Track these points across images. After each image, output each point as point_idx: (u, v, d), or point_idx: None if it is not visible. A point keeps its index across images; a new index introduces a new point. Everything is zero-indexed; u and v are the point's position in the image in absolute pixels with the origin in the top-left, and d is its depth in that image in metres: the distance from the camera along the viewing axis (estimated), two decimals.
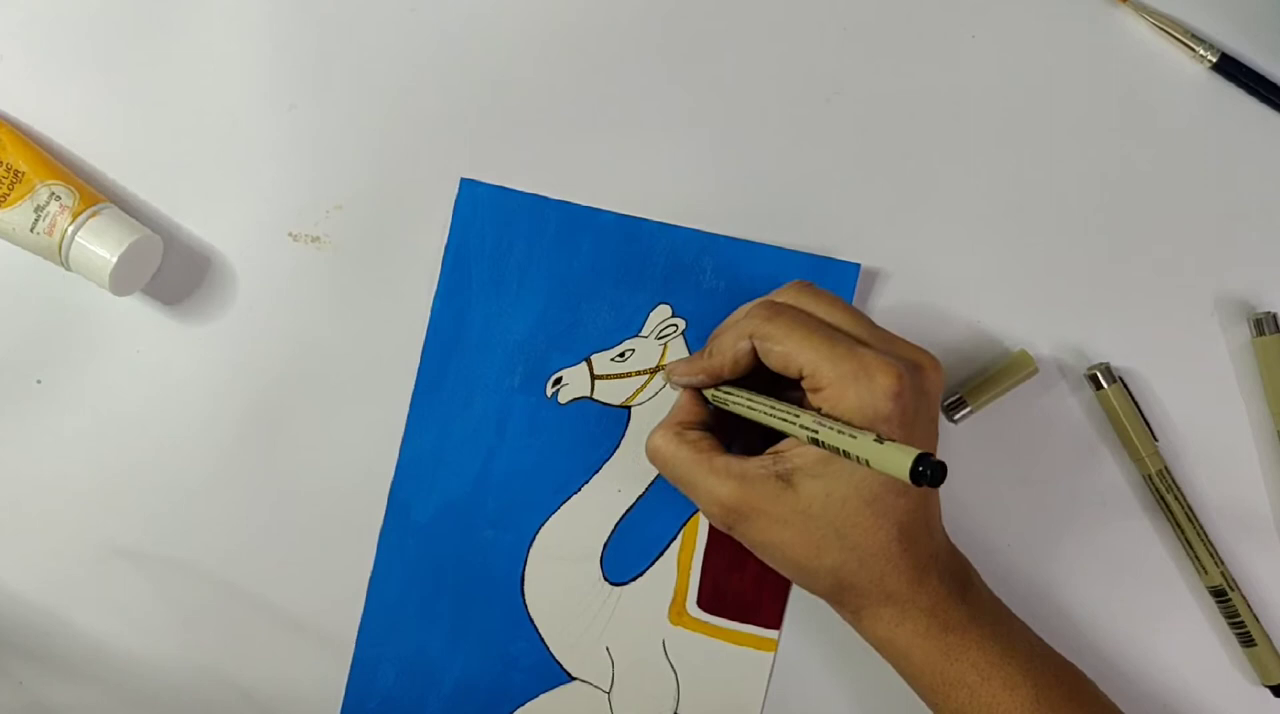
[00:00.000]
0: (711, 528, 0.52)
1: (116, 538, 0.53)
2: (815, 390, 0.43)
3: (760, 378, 0.46)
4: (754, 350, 0.45)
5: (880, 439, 0.38)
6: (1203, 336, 0.52)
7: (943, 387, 0.46)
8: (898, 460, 0.37)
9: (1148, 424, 0.51)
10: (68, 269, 0.49)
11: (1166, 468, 0.51)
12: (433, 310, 0.52)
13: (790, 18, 0.51)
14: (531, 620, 0.52)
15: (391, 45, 0.52)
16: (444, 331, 0.52)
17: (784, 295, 0.47)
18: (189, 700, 0.53)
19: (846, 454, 0.39)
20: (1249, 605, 0.51)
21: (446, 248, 0.52)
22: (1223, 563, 0.51)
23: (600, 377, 0.52)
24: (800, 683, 0.52)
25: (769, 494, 0.44)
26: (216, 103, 0.52)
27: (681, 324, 0.52)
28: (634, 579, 0.52)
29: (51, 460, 0.52)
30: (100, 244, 0.48)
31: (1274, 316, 0.50)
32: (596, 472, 0.52)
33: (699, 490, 0.45)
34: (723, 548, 0.52)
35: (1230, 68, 0.51)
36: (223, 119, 0.52)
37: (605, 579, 0.52)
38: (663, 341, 0.52)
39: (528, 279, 0.52)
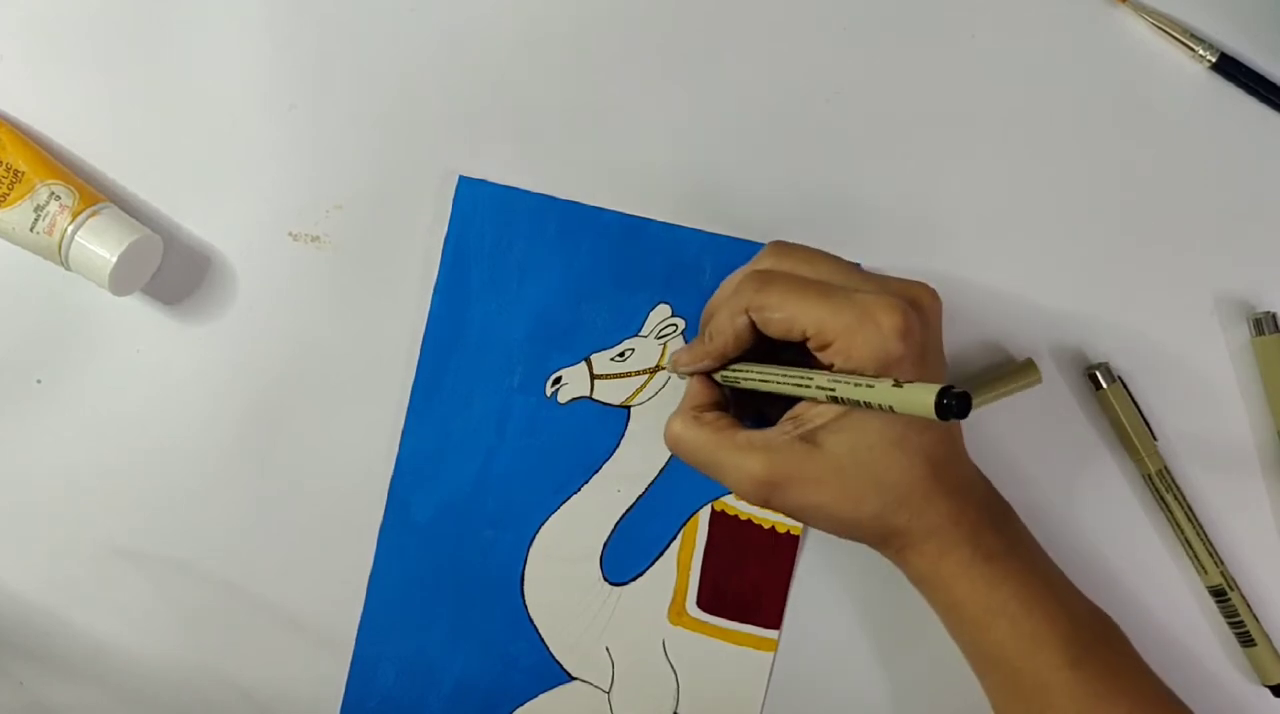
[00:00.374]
0: (711, 528, 0.52)
1: (116, 538, 0.53)
2: (823, 347, 0.43)
3: (759, 349, 0.46)
4: (752, 323, 0.45)
5: (898, 383, 0.38)
6: (1203, 336, 0.52)
7: (942, 314, 0.46)
8: (921, 399, 0.37)
9: (1148, 424, 0.51)
10: (68, 269, 0.49)
11: (1166, 468, 0.51)
12: (432, 310, 0.52)
13: (790, 18, 0.51)
14: (531, 620, 0.52)
15: (391, 45, 0.52)
16: (443, 331, 0.52)
17: (765, 261, 0.46)
18: (189, 700, 0.53)
19: (868, 405, 0.39)
20: (1249, 605, 0.51)
21: (445, 247, 0.52)
22: (1223, 563, 0.51)
23: (600, 376, 0.52)
24: (800, 683, 0.52)
25: (798, 459, 0.43)
26: (216, 103, 0.52)
27: (681, 324, 0.52)
28: (634, 579, 0.52)
29: (51, 460, 0.52)
30: (100, 244, 0.48)
31: (1274, 316, 0.50)
32: (596, 472, 0.52)
33: (727, 470, 0.45)
34: (722, 548, 0.52)
35: (1230, 68, 0.51)
36: (223, 119, 0.52)
37: (605, 579, 0.52)
38: (662, 341, 0.52)
39: (527, 278, 0.52)
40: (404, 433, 0.52)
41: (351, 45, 0.52)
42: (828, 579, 0.52)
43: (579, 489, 0.52)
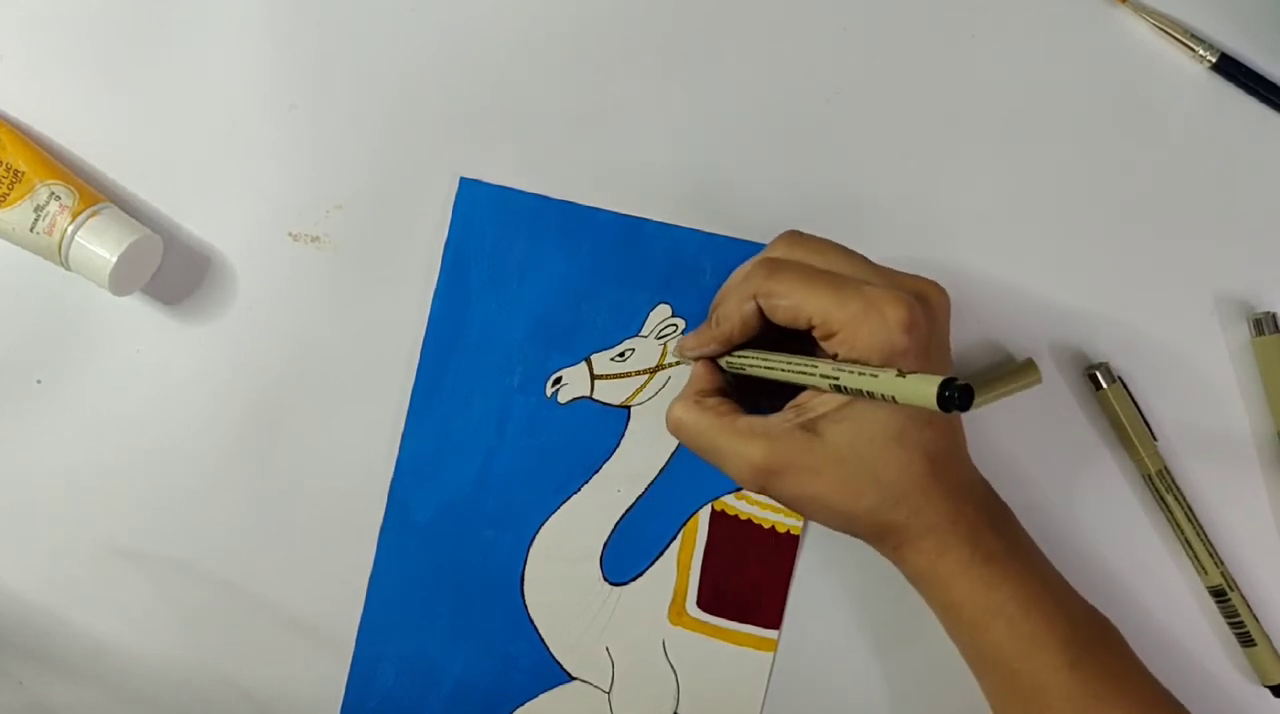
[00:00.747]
0: (711, 528, 0.52)
1: (116, 538, 0.53)
2: (828, 336, 0.43)
3: (765, 339, 0.46)
4: (759, 310, 0.45)
5: (902, 373, 0.39)
6: (1203, 336, 0.52)
7: (950, 310, 0.46)
8: (923, 390, 0.37)
9: (1148, 424, 0.51)
10: (68, 269, 0.49)
11: (1166, 468, 0.51)
12: (432, 310, 0.52)
13: (790, 18, 0.51)
14: (531, 620, 0.52)
15: (391, 45, 0.52)
16: (443, 331, 0.52)
17: (777, 249, 0.46)
18: (189, 700, 0.53)
19: (871, 394, 0.40)
20: (1249, 605, 0.51)
21: (446, 247, 0.52)
22: (1223, 563, 0.51)
23: (600, 376, 0.52)
24: (800, 683, 0.52)
25: (798, 447, 0.43)
26: (216, 103, 0.52)
27: (681, 324, 0.52)
28: (634, 579, 0.52)
29: (51, 460, 0.52)
30: (100, 244, 0.48)
31: (1274, 316, 0.50)
32: (596, 472, 0.52)
33: (726, 455, 0.45)
34: (722, 548, 0.52)
35: (1230, 68, 0.51)
36: (223, 119, 0.52)
37: (605, 579, 0.52)
38: (663, 341, 0.52)
39: (527, 279, 0.52)
40: (404, 433, 0.52)
41: (351, 45, 0.52)
42: (828, 579, 0.52)
43: (579, 489, 0.52)
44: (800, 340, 0.45)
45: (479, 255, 0.52)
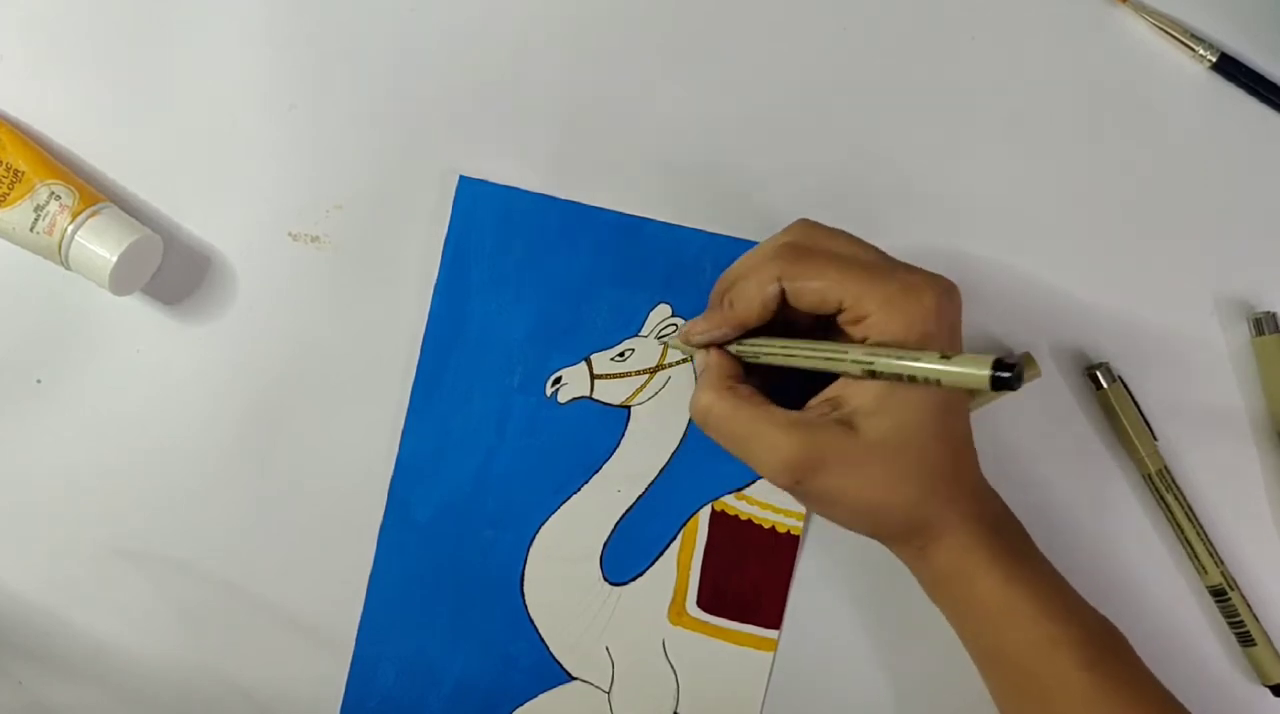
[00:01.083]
0: (711, 528, 0.52)
1: (116, 538, 0.53)
2: (857, 320, 0.42)
3: (772, 326, 0.45)
4: (781, 293, 0.43)
5: (945, 355, 0.37)
6: (1203, 336, 0.52)
7: (961, 307, 0.45)
8: (973, 370, 0.36)
9: (1148, 424, 0.51)
10: (68, 269, 0.49)
11: (1166, 468, 0.51)
12: (432, 310, 0.52)
13: (790, 18, 0.51)
14: (531, 620, 0.52)
15: (391, 45, 0.52)
16: (443, 331, 0.52)
17: (792, 234, 0.45)
18: (189, 700, 0.53)
19: (912, 378, 0.38)
20: (1249, 605, 0.51)
21: (445, 247, 0.52)
22: (1223, 563, 0.51)
23: (600, 376, 0.52)
24: (800, 683, 0.52)
25: (836, 441, 0.42)
26: (216, 103, 0.52)
27: (681, 324, 0.52)
28: (634, 579, 0.52)
29: (51, 460, 0.52)
30: (100, 244, 0.48)
31: (1274, 316, 0.50)
32: (596, 471, 0.52)
33: (760, 447, 0.43)
34: (722, 548, 0.52)
35: (1230, 68, 0.51)
36: (223, 119, 0.52)
37: (605, 579, 0.52)
38: (662, 341, 0.52)
39: (527, 278, 0.52)
40: (404, 433, 0.52)
41: (351, 45, 0.52)
42: (828, 579, 0.52)
43: (579, 489, 0.52)
44: (811, 327, 0.44)
45: (479, 255, 0.52)
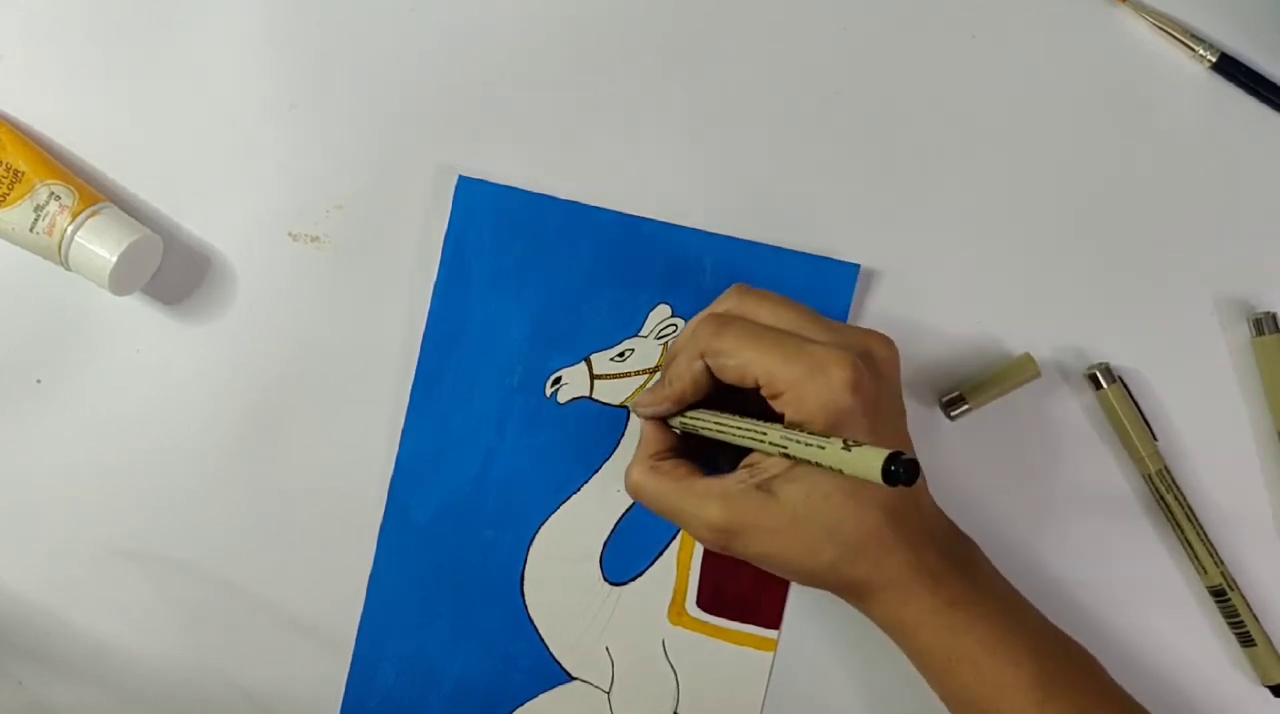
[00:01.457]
0: None
1: (116, 538, 0.53)
2: (775, 396, 0.43)
3: (724, 392, 0.46)
4: (708, 368, 0.45)
5: (848, 445, 0.38)
6: (1203, 336, 0.52)
7: (899, 364, 0.46)
8: (869, 465, 0.36)
9: (1148, 424, 0.51)
10: (67, 269, 0.49)
11: (1166, 468, 0.51)
12: (432, 309, 0.52)
13: (790, 18, 0.51)
14: (531, 620, 0.52)
15: (391, 45, 0.52)
16: (443, 331, 0.52)
17: (725, 303, 0.46)
18: (189, 700, 0.53)
19: (819, 465, 0.39)
20: (1249, 605, 0.51)
21: (445, 247, 0.52)
22: (1223, 563, 0.51)
23: (600, 376, 0.52)
24: (800, 683, 0.52)
25: (753, 507, 0.43)
26: (216, 103, 0.52)
27: (681, 324, 0.52)
28: (634, 579, 0.52)
29: (51, 460, 0.52)
30: (100, 244, 0.48)
31: (1274, 316, 0.50)
32: (596, 471, 0.52)
33: (686, 518, 0.45)
34: None
35: (1230, 68, 0.51)
36: (223, 119, 0.52)
37: (605, 579, 0.52)
38: (662, 341, 0.52)
39: (527, 278, 0.52)
40: (404, 433, 0.52)
41: (351, 45, 0.52)
42: None
43: (579, 489, 0.52)
44: (754, 395, 0.45)
45: (478, 255, 0.52)
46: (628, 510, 0.52)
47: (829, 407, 0.42)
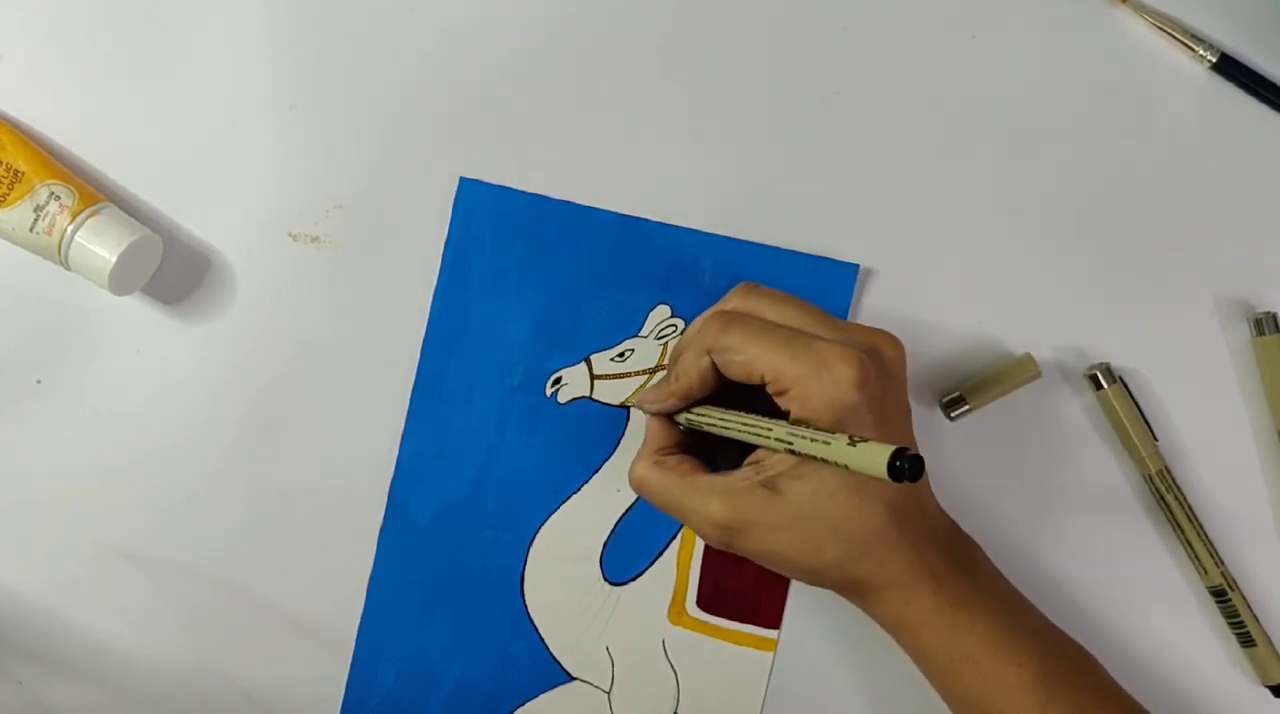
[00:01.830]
0: None
1: (116, 538, 0.53)
2: (781, 393, 0.43)
3: (730, 389, 0.46)
4: (714, 365, 0.45)
5: (854, 441, 0.38)
6: (1203, 336, 0.52)
7: (905, 363, 0.46)
8: (874, 460, 0.36)
9: (1148, 424, 0.51)
10: (67, 269, 0.49)
11: (1166, 468, 0.51)
12: (432, 310, 0.52)
13: (790, 18, 0.51)
14: (531, 620, 0.52)
15: (391, 45, 0.52)
16: (443, 331, 0.52)
17: (732, 301, 0.47)
18: (189, 700, 0.53)
19: (825, 460, 0.39)
20: (1249, 605, 0.51)
21: (446, 247, 0.52)
22: (1223, 563, 0.51)
23: (600, 376, 0.52)
24: (800, 683, 0.52)
25: (757, 504, 0.43)
26: (216, 103, 0.52)
27: (681, 324, 0.52)
28: (634, 579, 0.52)
29: (51, 460, 0.52)
30: (100, 244, 0.48)
31: (1274, 316, 0.50)
32: (596, 471, 0.52)
33: (689, 514, 0.45)
34: None
35: (1230, 68, 0.51)
36: (223, 119, 0.52)
37: (605, 579, 0.52)
38: (662, 341, 0.52)
39: (527, 279, 0.52)
40: (404, 433, 0.52)
41: (351, 45, 0.52)
42: None
43: (579, 489, 0.52)
44: (760, 392, 0.45)
45: (479, 255, 0.52)
46: (628, 510, 0.52)
47: (834, 403, 0.42)
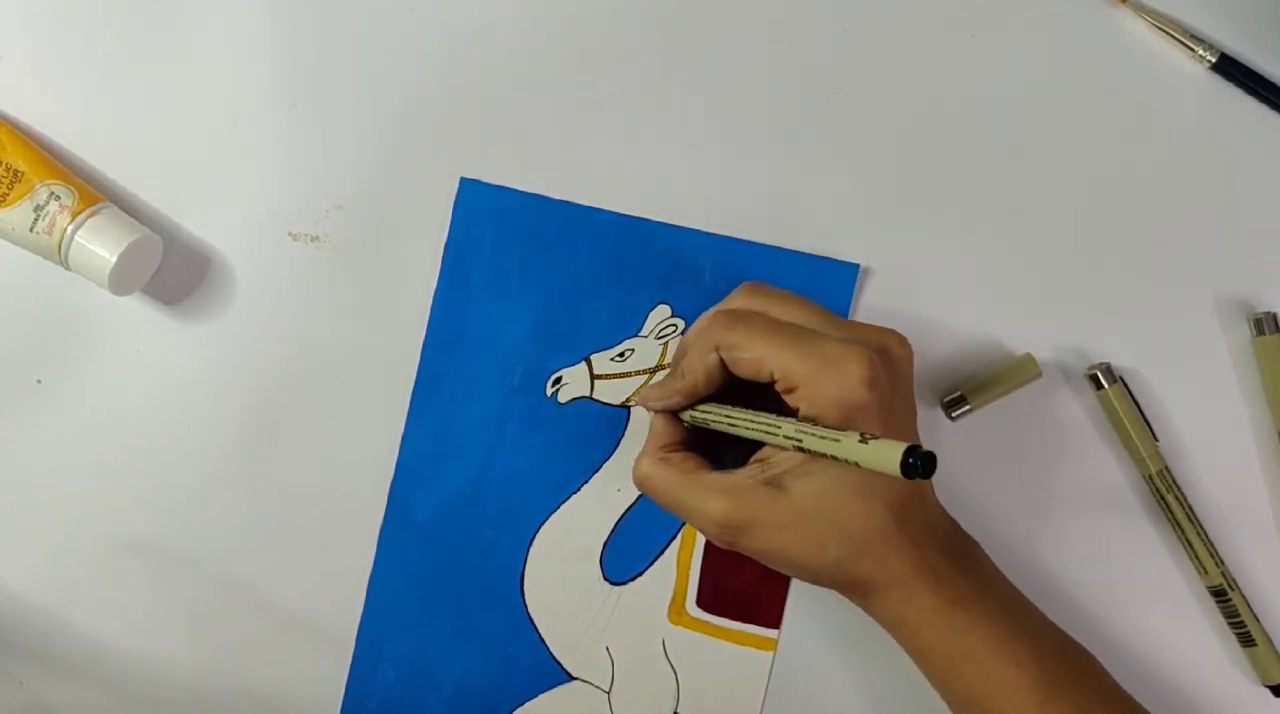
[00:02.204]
0: None
1: (117, 537, 0.53)
2: (789, 391, 0.43)
3: (734, 387, 0.46)
4: (722, 362, 0.45)
5: (864, 438, 0.38)
6: (1203, 336, 0.52)
7: (913, 362, 0.46)
8: (887, 457, 0.37)
9: (1148, 424, 0.51)
10: (67, 269, 0.49)
11: (1167, 468, 0.51)
12: (432, 310, 0.52)
13: (790, 18, 0.51)
14: (531, 620, 0.52)
15: (391, 45, 0.52)
16: (443, 331, 0.52)
17: (737, 300, 0.47)
18: (189, 700, 0.53)
19: (834, 458, 0.39)
20: (1249, 605, 0.51)
21: (446, 247, 0.52)
22: (1223, 563, 0.51)
23: (600, 376, 0.52)
24: (800, 683, 0.52)
25: (761, 502, 0.43)
26: (216, 103, 0.52)
27: (681, 324, 0.52)
28: (634, 579, 0.52)
29: (51, 460, 0.52)
30: (100, 244, 0.48)
31: (1274, 316, 0.50)
32: (596, 471, 0.52)
33: (693, 511, 0.45)
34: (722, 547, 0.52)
35: (1230, 68, 0.51)
36: (223, 119, 0.52)
37: (605, 579, 0.52)
38: (662, 341, 0.52)
39: (527, 279, 0.52)
40: (404, 433, 0.52)
41: (351, 45, 0.52)
42: None
43: (579, 489, 0.52)
44: (765, 390, 0.45)
45: (479, 255, 0.52)
46: (628, 510, 0.52)
47: (843, 401, 0.42)
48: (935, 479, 0.48)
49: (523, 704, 0.53)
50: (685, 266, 0.52)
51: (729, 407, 0.46)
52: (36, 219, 0.49)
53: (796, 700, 0.52)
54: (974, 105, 0.51)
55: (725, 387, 0.46)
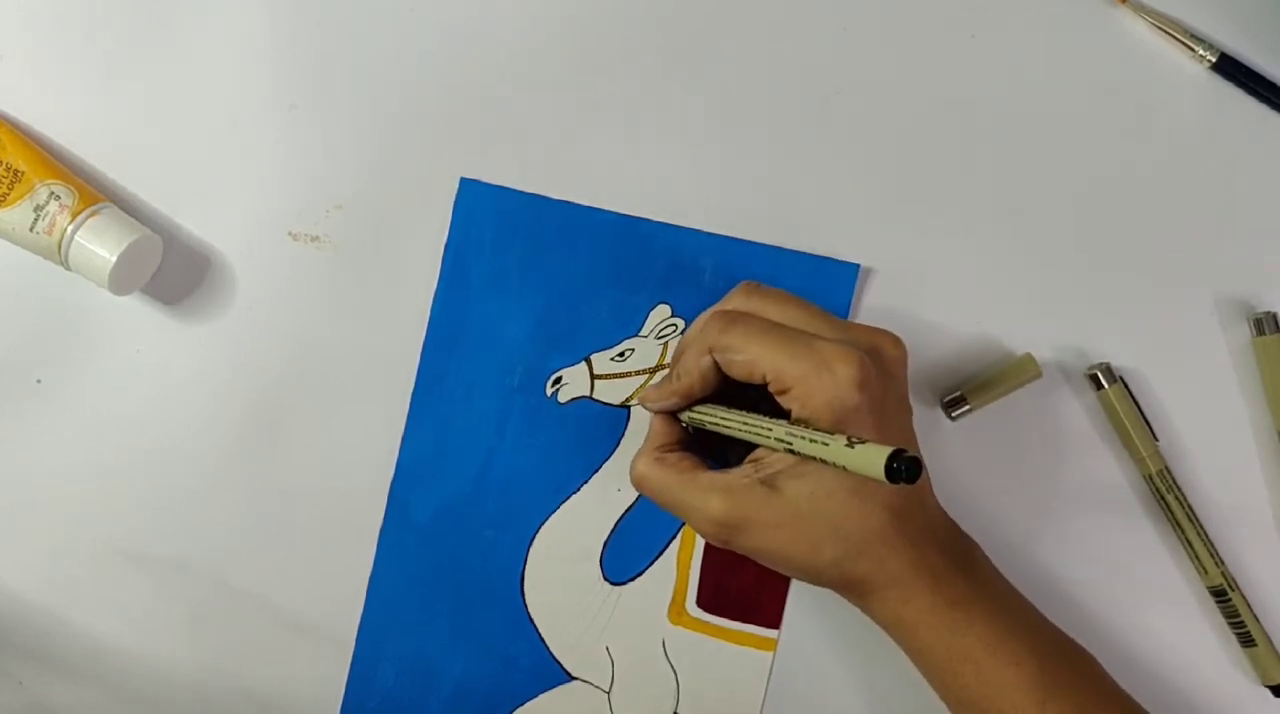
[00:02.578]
0: None
1: (116, 538, 0.53)
2: (782, 392, 0.43)
3: (733, 387, 0.46)
4: (716, 364, 0.45)
5: (852, 442, 0.38)
6: (1203, 336, 0.52)
7: (907, 363, 0.46)
8: (872, 461, 0.37)
9: (1148, 424, 0.51)
10: (67, 269, 0.49)
11: (1167, 468, 0.51)
12: (432, 310, 0.52)
13: (790, 18, 0.52)
14: (531, 620, 0.52)
15: (391, 45, 0.52)
16: (443, 331, 0.52)
17: (733, 301, 0.47)
18: (189, 700, 0.53)
19: (823, 461, 0.39)
20: (1249, 605, 0.51)
21: (446, 247, 0.52)
22: (1223, 563, 0.51)
23: (600, 376, 0.52)
24: (800, 683, 0.52)
25: (757, 502, 0.43)
26: (216, 103, 0.52)
27: (681, 324, 0.52)
28: (634, 579, 0.52)
29: (51, 460, 0.52)
30: (100, 243, 0.48)
31: (1274, 316, 0.50)
32: (596, 471, 0.52)
33: (689, 510, 0.45)
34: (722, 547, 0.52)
35: (1230, 68, 0.51)
36: (223, 119, 0.52)
37: (605, 579, 0.52)
38: (662, 341, 0.52)
39: (527, 279, 0.52)
40: (404, 433, 0.52)
41: (351, 45, 0.52)
42: None
43: (579, 489, 0.52)
44: (763, 391, 0.45)
45: (479, 255, 0.52)
46: (628, 510, 0.52)
47: (834, 403, 0.42)
48: (935, 479, 0.48)
49: (523, 704, 0.53)
50: (685, 266, 0.52)
51: (724, 408, 0.46)
52: (36, 219, 0.49)
53: (796, 700, 0.52)
54: (974, 105, 0.51)
55: (723, 387, 0.46)
